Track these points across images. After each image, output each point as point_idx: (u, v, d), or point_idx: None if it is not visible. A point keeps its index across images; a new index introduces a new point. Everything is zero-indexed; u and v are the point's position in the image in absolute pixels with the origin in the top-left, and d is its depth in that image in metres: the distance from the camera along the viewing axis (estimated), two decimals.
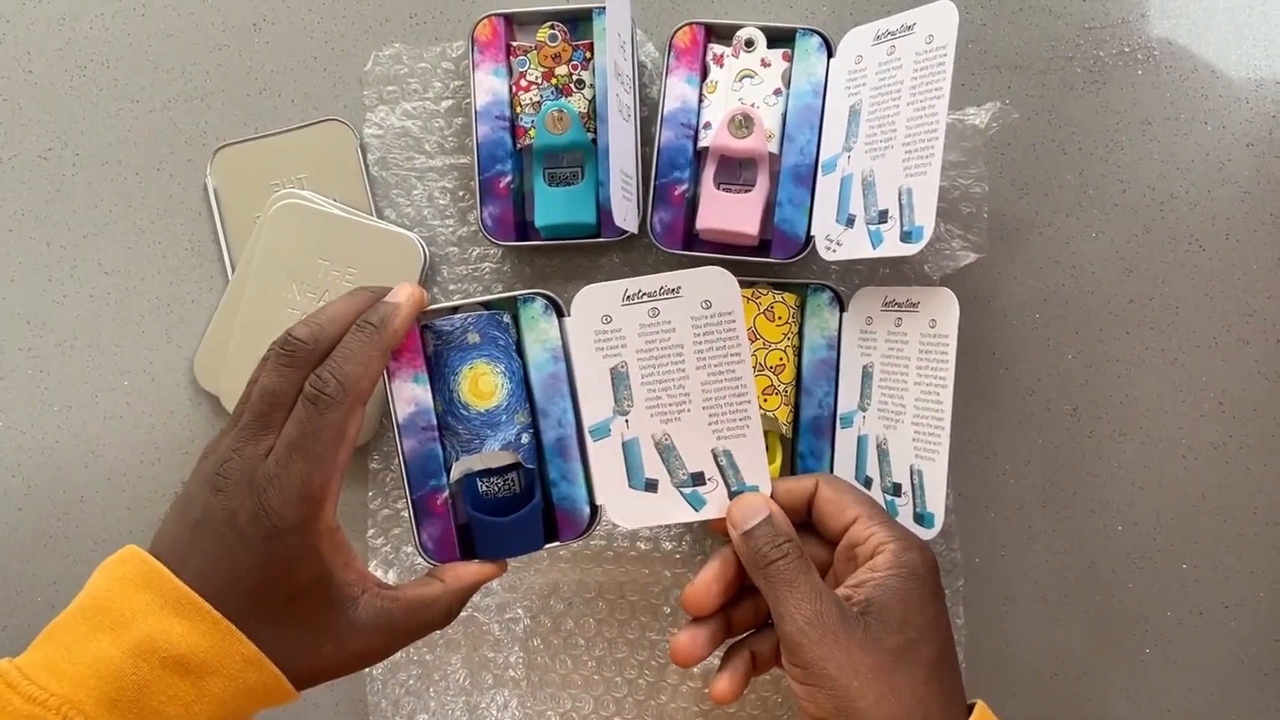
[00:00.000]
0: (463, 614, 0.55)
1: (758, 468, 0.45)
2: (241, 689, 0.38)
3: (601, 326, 0.45)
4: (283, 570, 0.39)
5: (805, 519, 0.46)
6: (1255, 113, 0.53)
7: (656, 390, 0.45)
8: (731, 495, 0.45)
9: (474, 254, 0.55)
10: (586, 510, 0.47)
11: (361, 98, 0.55)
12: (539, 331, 0.47)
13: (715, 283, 0.43)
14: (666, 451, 0.45)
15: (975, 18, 0.54)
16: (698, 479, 0.45)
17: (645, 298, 0.45)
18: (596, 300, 0.45)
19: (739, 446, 0.44)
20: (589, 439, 0.46)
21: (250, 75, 0.56)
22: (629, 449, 0.46)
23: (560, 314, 0.47)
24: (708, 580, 0.45)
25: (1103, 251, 0.54)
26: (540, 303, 0.47)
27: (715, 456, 0.45)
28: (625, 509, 0.46)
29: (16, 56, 0.56)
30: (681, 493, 0.46)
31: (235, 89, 0.56)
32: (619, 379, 0.46)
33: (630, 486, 0.46)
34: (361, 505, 0.55)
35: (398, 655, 0.55)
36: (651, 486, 0.46)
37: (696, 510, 0.46)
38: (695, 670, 0.55)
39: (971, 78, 0.54)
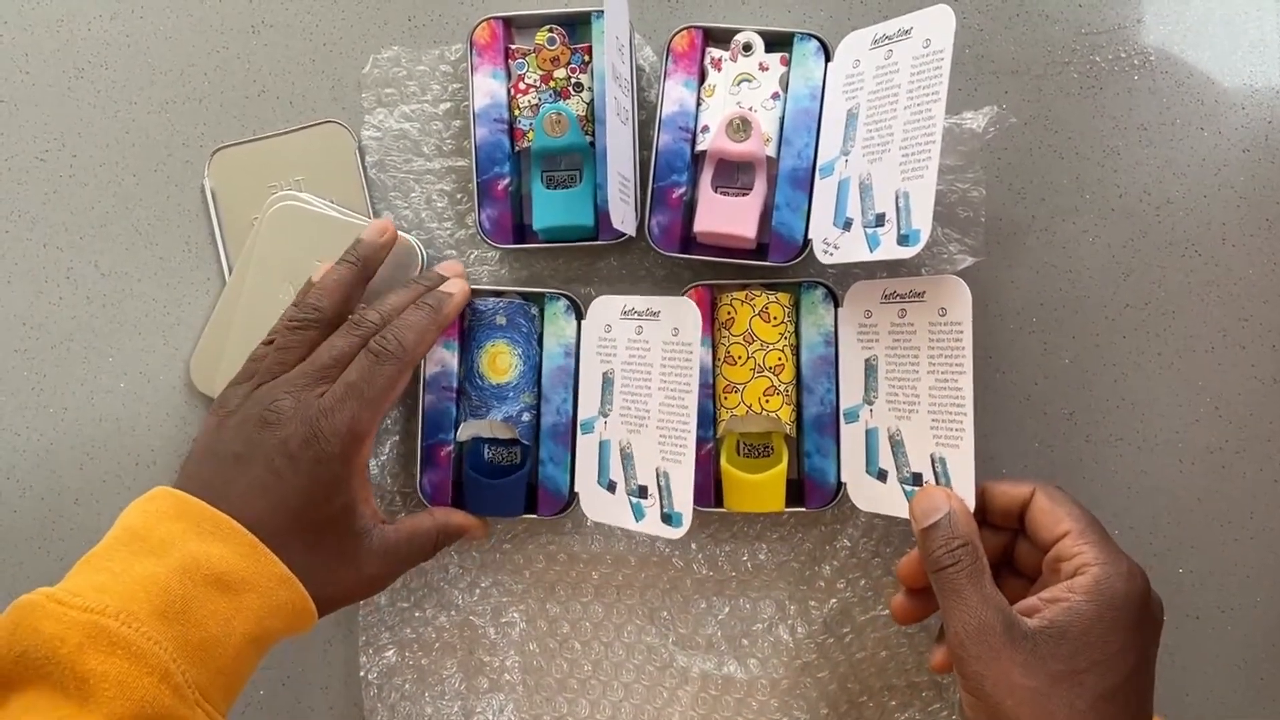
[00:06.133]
0: (458, 618, 0.55)
1: (684, 496, 0.47)
2: (273, 606, 0.41)
3: (604, 334, 0.51)
4: (322, 494, 0.44)
5: (1018, 525, 0.46)
6: (1250, 118, 0.54)
7: (628, 401, 0.50)
8: (663, 517, 0.48)
9: (472, 256, 0.55)
10: (566, 493, 0.52)
11: (360, 100, 0.55)
12: (558, 327, 0.52)
13: (685, 313, 0.48)
14: (626, 459, 0.50)
15: (972, 23, 0.54)
16: (643, 492, 0.49)
17: (635, 315, 0.50)
18: (605, 309, 0.51)
19: (675, 472, 0.48)
20: (579, 431, 0.51)
21: (248, 77, 0.56)
22: (602, 449, 0.51)
23: (579, 316, 0.52)
24: (916, 557, 0.47)
25: (1099, 256, 0.54)
26: (564, 303, 0.52)
27: (657, 475, 0.48)
28: (592, 501, 0.51)
29: (14, 58, 0.56)
30: (630, 500, 0.49)
31: (233, 91, 0.56)
32: (607, 384, 0.51)
33: (598, 482, 0.51)
34: None
35: (394, 659, 0.55)
36: (611, 487, 0.50)
37: (638, 521, 0.49)
38: (693, 673, 0.55)
39: (969, 82, 0.54)
